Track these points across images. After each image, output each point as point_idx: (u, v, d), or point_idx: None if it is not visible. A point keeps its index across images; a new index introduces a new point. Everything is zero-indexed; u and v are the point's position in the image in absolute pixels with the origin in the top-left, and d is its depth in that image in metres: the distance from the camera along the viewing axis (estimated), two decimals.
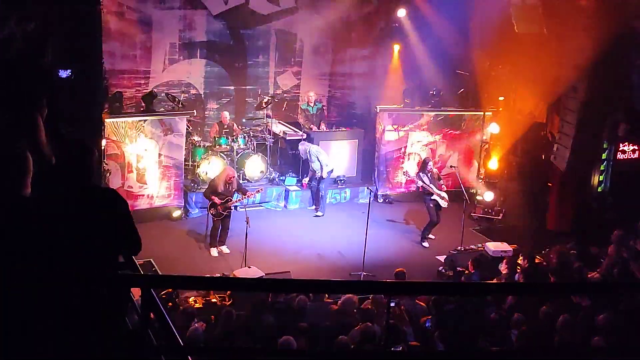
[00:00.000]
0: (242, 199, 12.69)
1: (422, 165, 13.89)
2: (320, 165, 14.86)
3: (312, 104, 16.32)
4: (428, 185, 13.51)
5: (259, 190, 13.60)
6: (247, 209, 12.43)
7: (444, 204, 13.66)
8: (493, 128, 15.66)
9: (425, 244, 13.83)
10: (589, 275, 10.55)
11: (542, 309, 8.67)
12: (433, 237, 14.03)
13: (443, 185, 13.95)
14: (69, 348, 3.59)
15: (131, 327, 4.49)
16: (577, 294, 8.84)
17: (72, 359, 3.60)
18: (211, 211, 12.63)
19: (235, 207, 12.74)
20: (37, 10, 7.40)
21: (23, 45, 5.86)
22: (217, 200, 12.42)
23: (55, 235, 3.59)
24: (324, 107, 17.02)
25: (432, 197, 13.61)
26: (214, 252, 12.79)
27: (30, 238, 3.55)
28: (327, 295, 9.63)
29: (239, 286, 5.86)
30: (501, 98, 15.69)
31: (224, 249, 12.84)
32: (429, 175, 13.59)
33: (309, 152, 14.97)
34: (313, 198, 15.42)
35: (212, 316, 9.08)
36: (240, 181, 13.80)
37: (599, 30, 12.25)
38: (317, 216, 15.07)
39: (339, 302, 9.07)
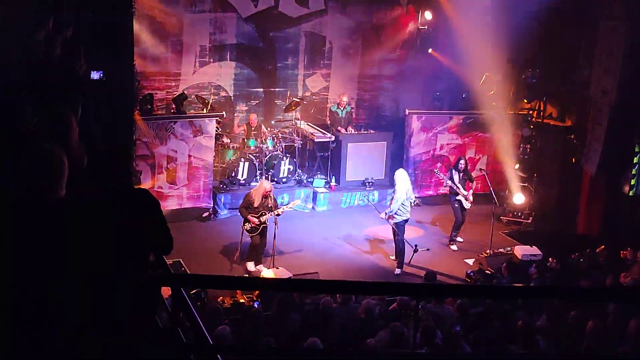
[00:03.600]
0: (277, 213, 11.96)
1: (455, 163, 13.89)
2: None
3: (342, 107, 16.33)
4: (455, 184, 13.48)
5: (294, 203, 12.91)
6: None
7: (467, 205, 13.62)
8: (524, 131, 15.56)
9: (454, 247, 13.79)
10: (620, 280, 10.46)
11: (572, 314, 8.61)
12: (461, 240, 13.99)
13: (472, 184, 13.89)
14: (101, 347, 3.64)
15: (161, 326, 4.55)
16: (607, 299, 8.74)
17: (104, 358, 3.66)
18: (246, 226, 12.05)
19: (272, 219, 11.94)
20: (72, 15, 7.53)
21: (59, 50, 5.97)
22: (254, 220, 11.80)
23: (88, 236, 3.66)
24: (353, 110, 17.01)
25: (457, 197, 13.59)
26: (250, 266, 12.14)
27: (64, 239, 3.61)
28: (354, 299, 9.63)
29: (267, 286, 5.90)
30: (532, 101, 15.56)
31: (260, 267, 12.09)
32: (460, 174, 13.56)
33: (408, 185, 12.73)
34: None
35: (240, 316, 9.15)
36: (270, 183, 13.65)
37: (628, 33, 12.15)
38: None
39: (360, 307, 9.05)
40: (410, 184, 12.96)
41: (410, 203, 12.84)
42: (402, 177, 12.55)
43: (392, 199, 12.60)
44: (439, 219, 15.26)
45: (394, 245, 12.73)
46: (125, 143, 4.84)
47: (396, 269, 12.52)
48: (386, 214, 12.57)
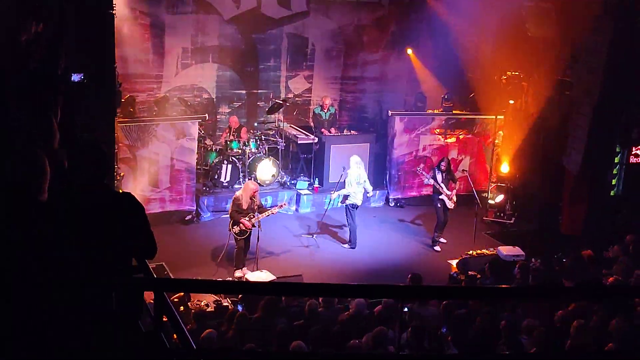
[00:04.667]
0: (268, 214, 12.10)
1: (438, 164, 13.96)
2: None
3: (325, 109, 16.31)
4: (438, 184, 13.54)
5: (281, 206, 12.91)
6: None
7: (450, 205, 13.65)
8: (504, 132, 15.63)
9: (437, 248, 13.81)
10: (604, 281, 10.51)
11: (558, 314, 8.64)
12: (444, 240, 14.01)
13: (455, 185, 13.92)
14: (84, 350, 3.60)
15: (144, 330, 4.51)
16: (591, 298, 8.77)
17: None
18: (234, 229, 11.92)
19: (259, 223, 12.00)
20: (51, 16, 7.44)
21: (39, 51, 5.91)
22: (247, 224, 11.76)
23: (72, 238, 3.62)
24: (336, 112, 16.99)
25: (440, 197, 13.64)
26: (238, 273, 11.92)
27: (46, 241, 3.57)
28: (337, 301, 9.60)
29: (251, 290, 5.86)
30: (511, 102, 15.62)
31: (245, 270, 11.97)
32: (443, 174, 13.59)
33: (359, 173, 13.53)
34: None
35: (224, 320, 9.09)
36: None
37: (612, 32, 12.21)
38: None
39: (351, 305, 9.07)
40: (365, 173, 13.73)
41: (365, 191, 13.70)
42: (354, 162, 13.46)
43: (344, 181, 13.53)
44: (422, 220, 15.29)
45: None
46: (97, 142, 4.78)
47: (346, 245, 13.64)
48: (339, 195, 13.59)
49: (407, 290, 4.99)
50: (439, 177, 13.59)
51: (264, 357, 5.23)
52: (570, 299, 8.59)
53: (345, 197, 13.49)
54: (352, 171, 13.40)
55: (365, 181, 13.63)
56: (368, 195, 14.14)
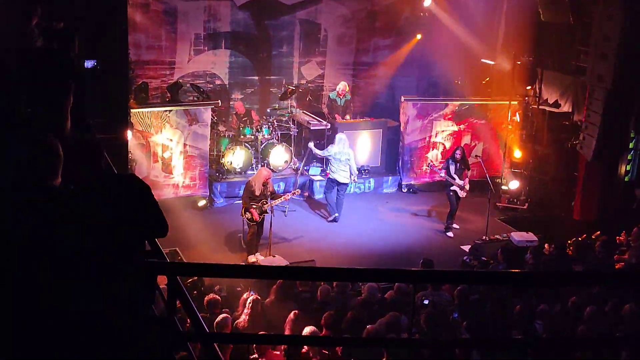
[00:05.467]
0: (280, 201, 12.20)
1: (452, 152, 14.00)
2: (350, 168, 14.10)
3: (342, 96, 16.26)
4: (450, 176, 13.58)
5: (294, 192, 13.01)
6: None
7: (462, 194, 13.71)
8: (518, 117, 15.54)
9: (450, 234, 13.80)
10: (616, 266, 10.49)
11: (572, 300, 8.64)
12: (457, 227, 14.01)
13: (469, 173, 13.90)
14: (97, 334, 3.64)
15: (157, 315, 4.55)
16: (602, 283, 8.77)
17: (100, 345, 3.65)
18: (246, 215, 11.95)
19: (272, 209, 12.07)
20: (65, 6, 7.48)
21: (52, 38, 5.93)
22: (255, 215, 11.80)
23: (83, 222, 3.65)
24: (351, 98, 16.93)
25: (452, 188, 13.68)
26: (251, 259, 12.00)
27: (59, 227, 3.60)
28: (350, 287, 9.63)
29: (264, 274, 5.89)
30: (528, 87, 15.54)
31: (258, 256, 12.09)
32: (457, 164, 13.60)
33: (344, 151, 13.92)
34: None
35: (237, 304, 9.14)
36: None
37: (624, 18, 12.11)
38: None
39: (363, 290, 9.10)
40: (351, 152, 14.04)
41: (350, 171, 14.01)
42: (339, 139, 13.98)
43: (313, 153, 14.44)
44: (435, 206, 15.24)
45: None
46: (95, 138, 4.82)
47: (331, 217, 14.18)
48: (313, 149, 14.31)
49: (419, 275, 5.00)
50: (452, 167, 13.59)
51: (275, 340, 5.27)
52: (580, 285, 8.59)
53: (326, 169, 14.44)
54: (335, 147, 13.85)
55: (349, 160, 13.95)
56: (352, 178, 14.25)
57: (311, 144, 14.46)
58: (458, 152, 13.71)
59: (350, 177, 14.10)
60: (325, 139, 15.78)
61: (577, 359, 7.01)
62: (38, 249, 3.48)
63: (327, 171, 14.31)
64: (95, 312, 3.59)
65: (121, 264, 3.69)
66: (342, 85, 16.24)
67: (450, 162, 13.72)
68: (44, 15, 6.02)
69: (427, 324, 7.86)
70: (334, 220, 14.12)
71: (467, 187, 13.72)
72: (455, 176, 13.55)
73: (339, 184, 14.00)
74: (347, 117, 16.30)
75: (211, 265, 5.18)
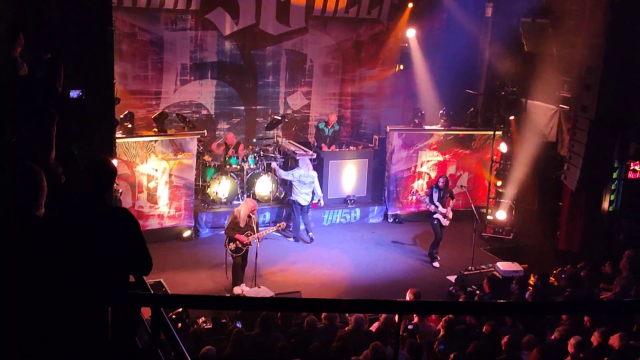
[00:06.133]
0: (265, 234, 12.42)
1: (436, 180, 14.21)
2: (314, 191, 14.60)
3: (330, 126, 16.37)
4: (432, 203, 13.75)
5: (280, 226, 13.02)
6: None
7: (445, 222, 13.83)
8: (502, 147, 15.63)
9: (436, 264, 13.80)
10: (602, 297, 10.49)
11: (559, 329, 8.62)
12: (438, 257, 14.01)
13: (452, 202, 13.96)
14: None
15: (141, 347, 4.49)
16: (588, 313, 8.77)
17: None
18: (230, 246, 11.81)
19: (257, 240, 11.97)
20: (51, 33, 7.46)
21: (38, 67, 5.92)
22: (244, 239, 11.71)
23: (68, 253, 3.61)
24: (340, 129, 16.99)
25: (435, 216, 13.75)
26: (236, 290, 11.81)
27: (43, 256, 3.56)
28: (338, 320, 9.55)
29: (250, 306, 5.84)
30: (511, 117, 15.66)
31: (244, 287, 11.94)
32: (440, 192, 13.71)
33: (308, 174, 14.44)
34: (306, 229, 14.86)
35: (222, 337, 9.06)
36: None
37: (608, 47, 12.25)
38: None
39: (350, 321, 9.04)
40: (314, 173, 14.53)
41: (313, 195, 14.51)
42: (303, 161, 14.65)
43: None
44: (420, 236, 15.25)
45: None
46: (98, 157, 4.78)
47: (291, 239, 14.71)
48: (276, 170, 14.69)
49: (406, 306, 4.97)
50: (435, 195, 13.72)
51: None
52: (564, 313, 8.60)
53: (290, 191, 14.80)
54: (300, 170, 14.37)
55: (313, 182, 14.42)
56: (317, 200, 14.78)
57: (274, 164, 14.84)
58: (441, 180, 13.85)
59: (315, 198, 14.55)
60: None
61: None
62: (21, 278, 3.43)
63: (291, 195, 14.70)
64: (78, 342, 3.54)
65: (104, 295, 3.65)
66: (332, 116, 16.48)
67: (433, 190, 13.84)
68: (29, 45, 6.00)
69: (411, 353, 7.82)
70: (296, 241, 14.65)
71: (450, 215, 13.79)
72: (438, 204, 13.64)
73: (301, 206, 14.47)
74: (334, 148, 16.35)
75: (195, 297, 5.13)
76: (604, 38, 12.35)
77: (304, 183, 14.30)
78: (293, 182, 14.49)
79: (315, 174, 14.51)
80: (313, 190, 14.49)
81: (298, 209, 14.51)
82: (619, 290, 10.34)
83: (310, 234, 14.66)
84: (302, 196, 14.38)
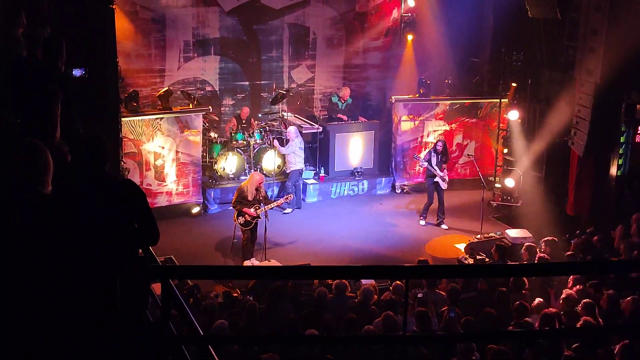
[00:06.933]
0: (273, 206, 12.43)
1: (434, 145, 14.45)
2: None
3: (343, 100, 16.35)
4: (432, 167, 13.98)
5: (287, 198, 13.08)
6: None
7: (444, 185, 14.14)
8: (512, 115, 15.49)
9: (422, 222, 14.32)
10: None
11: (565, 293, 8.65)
12: (423, 223, 14.34)
13: (445, 166, 14.28)
14: (92, 340, 3.62)
15: (152, 320, 4.53)
16: (599, 272, 8.79)
17: (95, 351, 3.64)
18: (239, 220, 11.96)
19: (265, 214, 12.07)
20: (52, 12, 7.46)
21: (40, 46, 5.93)
22: (252, 212, 11.86)
23: (76, 229, 3.64)
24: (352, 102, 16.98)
25: (434, 180, 14.05)
26: (246, 264, 11.88)
27: (52, 234, 3.59)
28: (349, 290, 9.62)
29: (259, 275, 5.88)
30: (513, 84, 15.56)
31: (254, 261, 12.06)
32: (438, 156, 14.03)
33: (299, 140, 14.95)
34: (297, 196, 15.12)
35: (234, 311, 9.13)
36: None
37: (611, 8, 12.12)
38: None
39: (359, 292, 9.09)
40: (301, 139, 14.96)
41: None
42: (294, 131, 14.92)
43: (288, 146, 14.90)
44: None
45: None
46: (94, 132, 4.80)
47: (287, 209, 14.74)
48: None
49: (415, 270, 5.00)
50: (434, 159, 13.94)
51: (269, 341, 5.25)
52: (573, 274, 8.64)
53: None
54: (297, 140, 14.76)
55: (301, 147, 14.97)
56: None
57: (276, 142, 15.07)
58: (439, 144, 14.08)
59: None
60: (317, 142, 15.85)
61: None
62: (30, 255, 3.46)
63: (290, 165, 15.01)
64: (88, 316, 3.58)
65: (114, 268, 3.68)
66: (345, 90, 16.48)
67: (432, 153, 14.00)
68: (31, 24, 6.00)
69: (419, 321, 7.89)
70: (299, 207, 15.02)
71: (447, 178, 14.23)
72: (436, 167, 13.79)
73: (300, 172, 15.09)
74: (345, 118, 16.38)
75: (204, 267, 5.17)
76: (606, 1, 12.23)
77: (302, 149, 14.95)
78: (295, 152, 14.76)
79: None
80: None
81: (300, 176, 15.10)
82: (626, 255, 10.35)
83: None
84: (301, 162, 15.01)
